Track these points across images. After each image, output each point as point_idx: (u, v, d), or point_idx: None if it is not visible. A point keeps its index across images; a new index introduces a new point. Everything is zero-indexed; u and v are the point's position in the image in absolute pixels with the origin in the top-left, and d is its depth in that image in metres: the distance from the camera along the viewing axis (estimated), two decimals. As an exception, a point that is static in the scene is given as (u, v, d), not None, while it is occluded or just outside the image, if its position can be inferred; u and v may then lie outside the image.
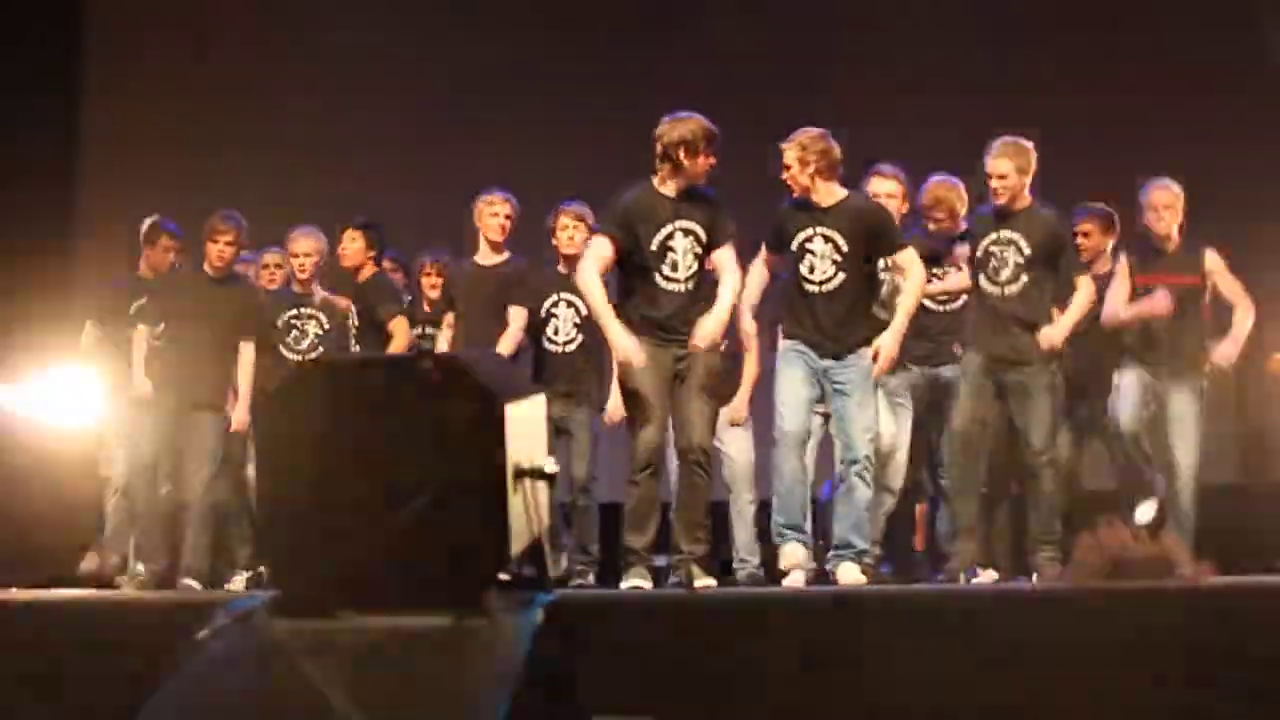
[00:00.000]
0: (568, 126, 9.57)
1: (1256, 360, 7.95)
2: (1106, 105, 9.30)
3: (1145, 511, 6.94)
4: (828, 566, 6.50)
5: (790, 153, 6.36)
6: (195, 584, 7.20)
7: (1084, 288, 6.77)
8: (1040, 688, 4.60)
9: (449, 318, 7.43)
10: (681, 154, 6.11)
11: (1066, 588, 5.65)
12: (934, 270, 6.99)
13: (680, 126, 6.13)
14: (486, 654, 3.22)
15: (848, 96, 9.12)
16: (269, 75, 10.07)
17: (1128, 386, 7.00)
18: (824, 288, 6.37)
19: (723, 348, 6.28)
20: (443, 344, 7.37)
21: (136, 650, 3.84)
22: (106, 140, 10.04)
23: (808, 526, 6.43)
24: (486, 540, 3.39)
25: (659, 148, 6.14)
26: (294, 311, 7.72)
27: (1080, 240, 7.31)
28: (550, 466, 3.61)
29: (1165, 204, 7.03)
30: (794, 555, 6.30)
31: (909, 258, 6.44)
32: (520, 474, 3.48)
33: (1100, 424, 7.18)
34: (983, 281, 6.74)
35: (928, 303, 7.00)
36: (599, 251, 6.15)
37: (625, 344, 6.01)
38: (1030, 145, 6.70)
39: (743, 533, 7.24)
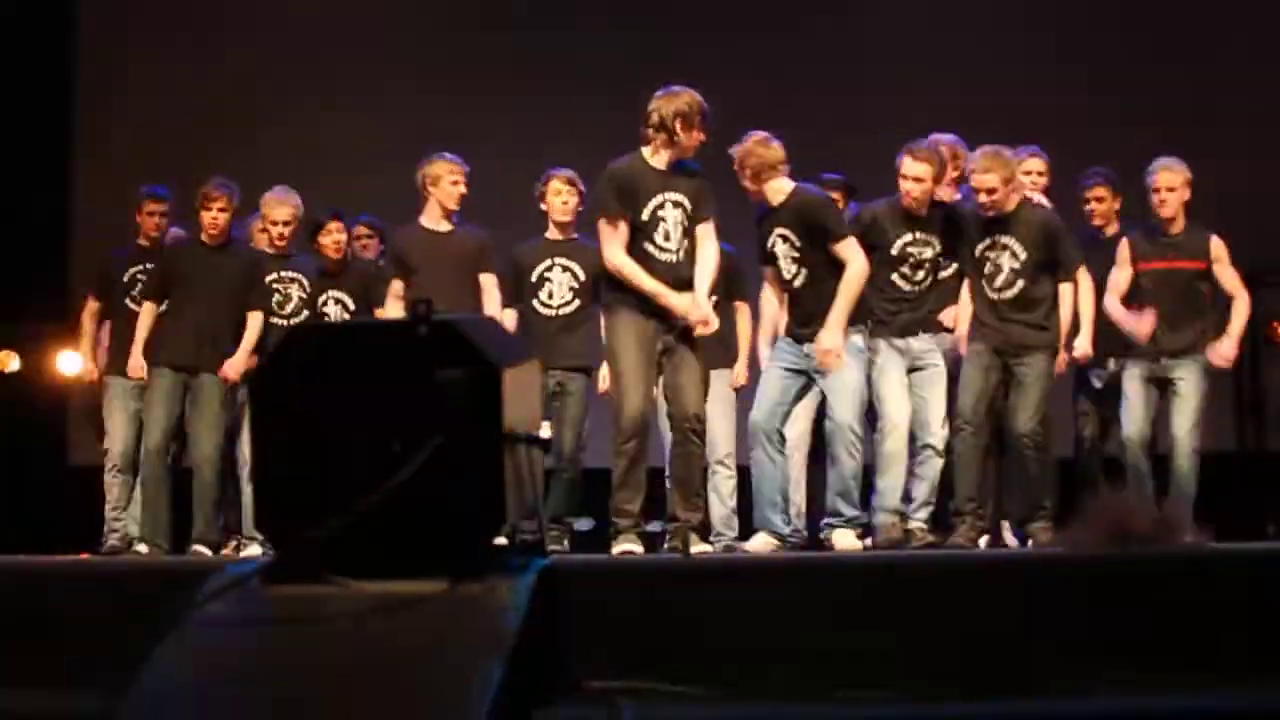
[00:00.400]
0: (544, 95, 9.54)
1: (1253, 327, 7.95)
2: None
3: None
4: (820, 535, 6.61)
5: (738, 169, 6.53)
6: (206, 550, 7.21)
7: (1084, 285, 6.79)
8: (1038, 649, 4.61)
9: (396, 285, 7.15)
10: (678, 126, 6.14)
11: (1068, 554, 5.66)
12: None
13: (677, 100, 6.16)
14: (481, 619, 3.23)
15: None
16: (269, 40, 10.05)
17: (1133, 394, 6.96)
18: (794, 284, 6.55)
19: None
20: (393, 311, 7.05)
21: (146, 615, 3.83)
22: (103, 101, 10.01)
23: (777, 519, 6.54)
24: (481, 506, 3.39)
25: (655, 119, 6.16)
26: (274, 275, 7.60)
27: (1094, 206, 7.28)
28: (545, 432, 3.61)
29: (1170, 185, 6.95)
30: (762, 544, 6.48)
31: (847, 248, 6.48)
32: (515, 439, 3.48)
33: (1114, 389, 7.14)
34: (981, 284, 6.76)
35: None
36: (617, 236, 6.16)
37: (683, 301, 6.11)
38: (1011, 154, 6.72)
39: (719, 506, 7.25)
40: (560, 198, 7.34)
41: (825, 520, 6.61)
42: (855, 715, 3.99)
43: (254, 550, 7.09)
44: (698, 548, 6.26)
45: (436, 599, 3.27)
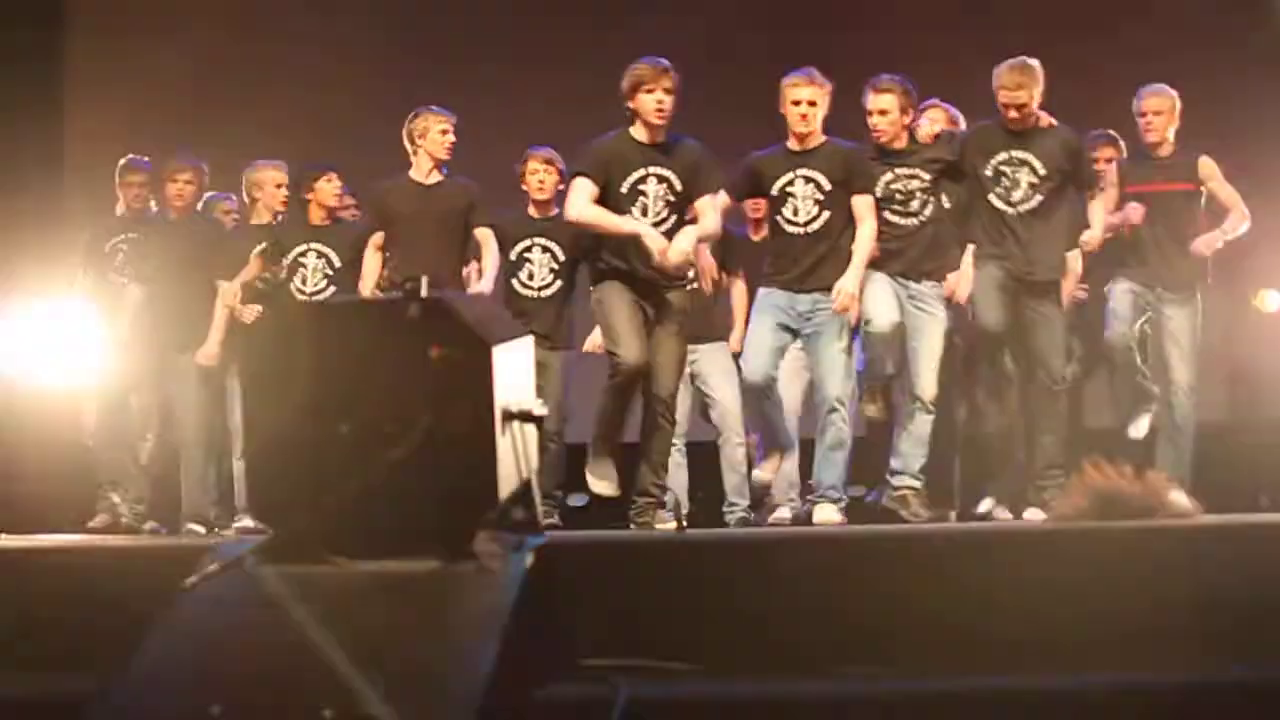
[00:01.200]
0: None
1: (1244, 296, 7.95)
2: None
3: (1140, 426, 6.94)
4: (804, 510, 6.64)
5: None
6: (199, 528, 7.21)
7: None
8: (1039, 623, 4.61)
9: (377, 237, 7.15)
10: (628, 98, 6.17)
11: (1056, 525, 5.67)
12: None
13: (628, 74, 6.19)
14: (475, 598, 3.22)
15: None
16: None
17: (1119, 298, 6.94)
18: (807, 228, 6.51)
19: (692, 286, 6.41)
20: (372, 266, 7.13)
21: (138, 597, 3.82)
22: (95, 72, 9.96)
23: (786, 441, 6.63)
24: (475, 484, 3.39)
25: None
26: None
27: (1102, 166, 7.19)
28: (539, 409, 3.60)
29: (1157, 109, 6.95)
30: (766, 472, 6.65)
31: (870, 206, 6.52)
32: (509, 416, 3.47)
33: (1098, 353, 7.15)
34: (993, 199, 6.66)
35: None
36: (584, 189, 6.15)
37: (647, 230, 6.08)
38: (1038, 65, 6.59)
39: (732, 476, 7.28)
40: (538, 177, 7.35)
41: (813, 495, 6.63)
42: (855, 690, 3.99)
43: (246, 523, 7.07)
44: (663, 525, 6.30)
45: (431, 578, 3.26)
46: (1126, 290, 6.96)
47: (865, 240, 6.50)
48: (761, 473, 6.70)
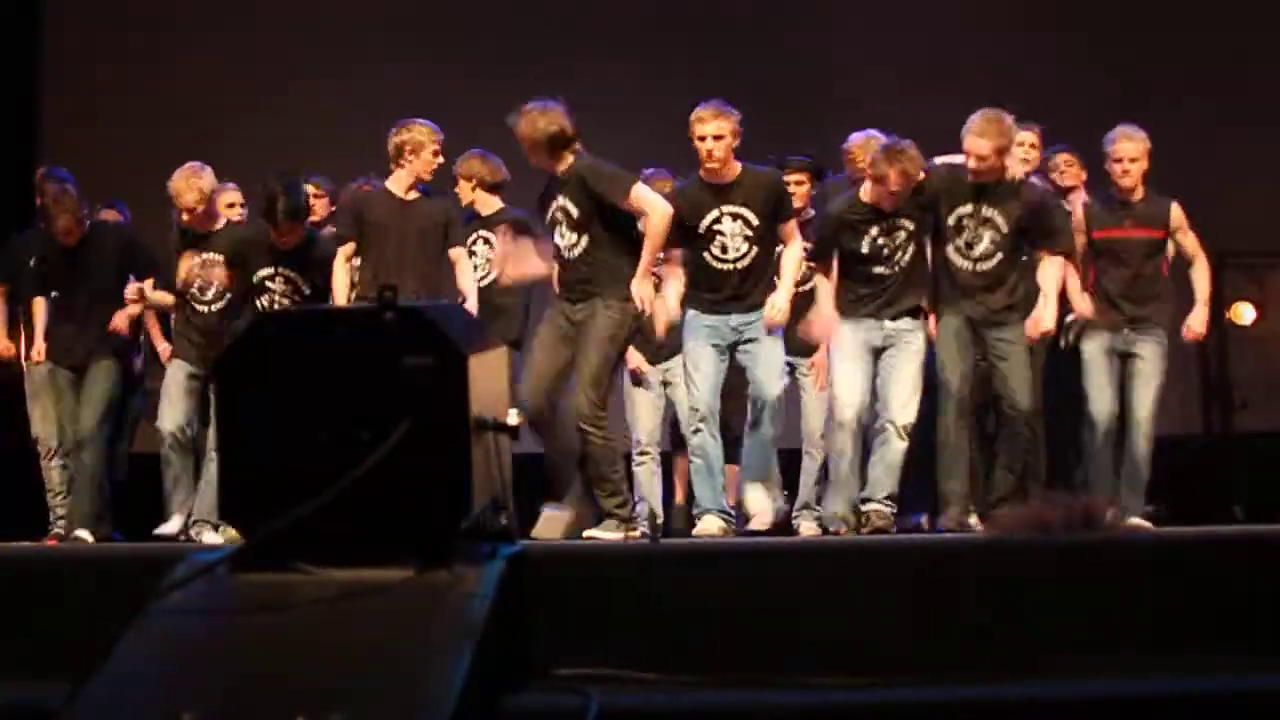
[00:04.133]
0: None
1: (1219, 310, 7.99)
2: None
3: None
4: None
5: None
6: (88, 536, 7.20)
7: (1053, 272, 6.64)
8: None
9: (347, 248, 6.96)
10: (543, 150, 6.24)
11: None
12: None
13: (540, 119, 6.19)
14: (449, 607, 3.22)
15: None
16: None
17: (1097, 368, 6.83)
18: (738, 263, 6.50)
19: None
20: (341, 275, 6.92)
21: (109, 605, 3.81)
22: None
23: (725, 500, 6.58)
24: (449, 492, 3.39)
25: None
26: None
27: (1064, 169, 7.17)
28: (513, 419, 3.60)
29: (1132, 155, 6.83)
30: (710, 527, 6.45)
31: (795, 229, 6.60)
32: (482, 426, 3.47)
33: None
34: (951, 251, 6.60)
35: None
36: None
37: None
38: (1007, 120, 6.49)
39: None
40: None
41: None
42: (825, 701, 4.00)
43: (210, 536, 6.98)
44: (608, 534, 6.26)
45: (404, 586, 3.26)
46: (1101, 355, 6.86)
47: (794, 261, 6.57)
48: (758, 517, 6.61)
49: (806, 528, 6.67)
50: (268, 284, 7.09)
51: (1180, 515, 6.94)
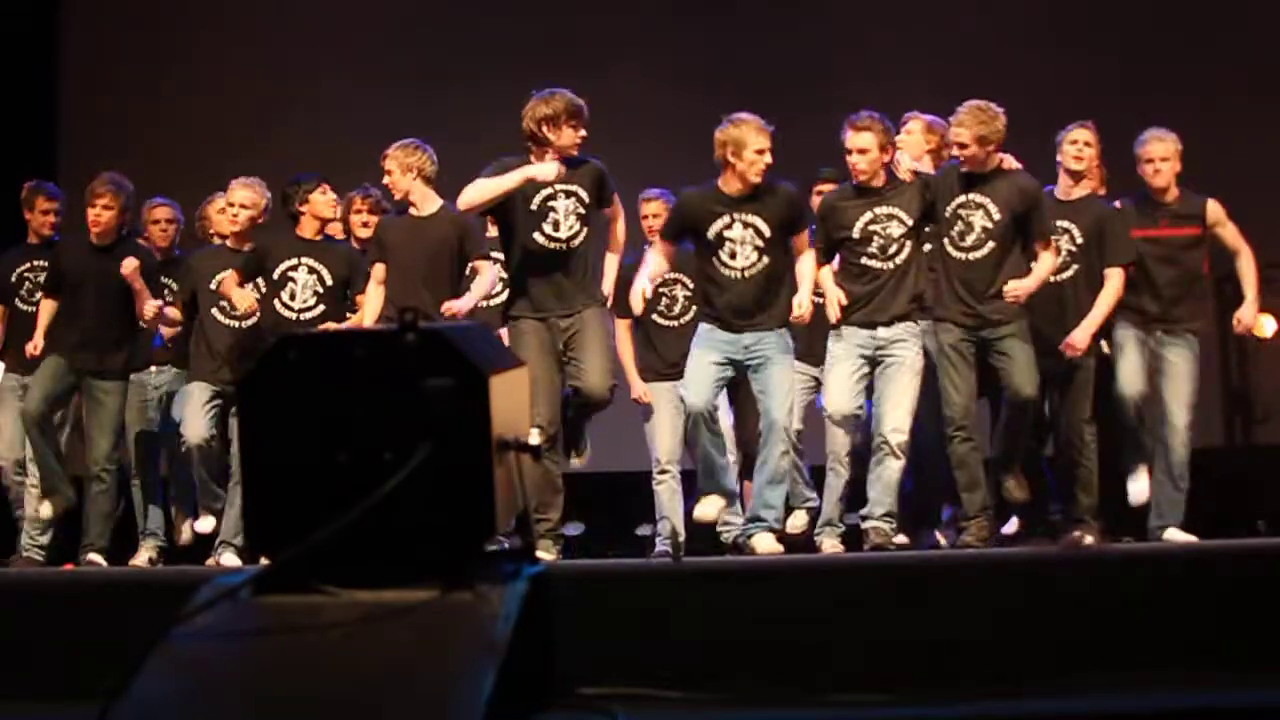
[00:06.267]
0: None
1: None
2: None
3: (1139, 491, 6.86)
4: (739, 539, 6.59)
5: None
6: (101, 561, 7.20)
7: (1045, 261, 6.58)
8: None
9: (378, 270, 6.94)
10: (546, 130, 6.40)
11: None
12: None
13: (544, 104, 6.40)
14: (472, 627, 3.22)
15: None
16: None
17: (1127, 346, 6.80)
18: (745, 273, 6.48)
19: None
20: (374, 300, 6.90)
21: (134, 626, 3.82)
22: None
23: (729, 483, 6.63)
24: (472, 513, 3.38)
25: (526, 127, 6.43)
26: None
27: (1084, 150, 6.96)
28: (534, 439, 3.61)
29: (1162, 155, 6.82)
30: (710, 507, 6.52)
31: (807, 241, 6.59)
32: (504, 446, 3.47)
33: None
34: (947, 245, 6.61)
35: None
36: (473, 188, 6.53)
37: (546, 168, 6.43)
38: (999, 112, 6.49)
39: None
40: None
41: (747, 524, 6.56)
42: (851, 718, 3.99)
43: (230, 558, 6.99)
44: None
45: (428, 607, 3.26)
46: (1130, 335, 6.82)
47: (810, 269, 6.56)
48: (704, 511, 6.57)
49: (830, 545, 6.63)
50: (290, 275, 7.18)
51: (1202, 529, 6.90)
